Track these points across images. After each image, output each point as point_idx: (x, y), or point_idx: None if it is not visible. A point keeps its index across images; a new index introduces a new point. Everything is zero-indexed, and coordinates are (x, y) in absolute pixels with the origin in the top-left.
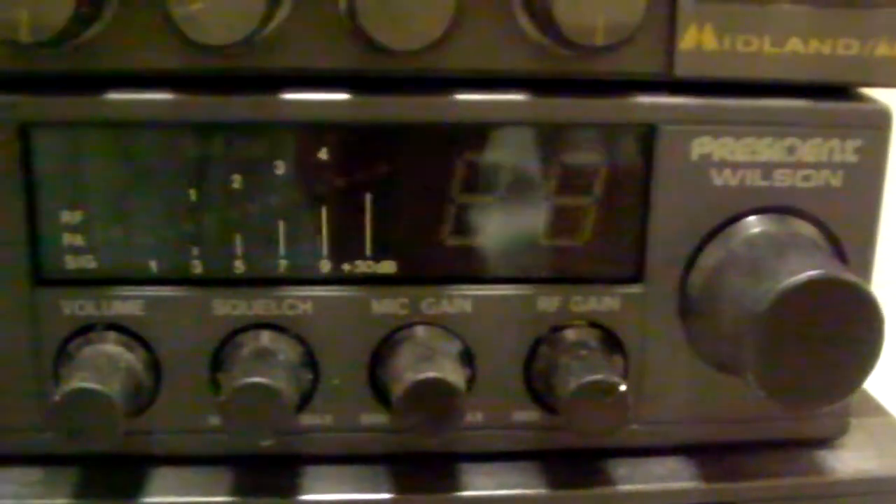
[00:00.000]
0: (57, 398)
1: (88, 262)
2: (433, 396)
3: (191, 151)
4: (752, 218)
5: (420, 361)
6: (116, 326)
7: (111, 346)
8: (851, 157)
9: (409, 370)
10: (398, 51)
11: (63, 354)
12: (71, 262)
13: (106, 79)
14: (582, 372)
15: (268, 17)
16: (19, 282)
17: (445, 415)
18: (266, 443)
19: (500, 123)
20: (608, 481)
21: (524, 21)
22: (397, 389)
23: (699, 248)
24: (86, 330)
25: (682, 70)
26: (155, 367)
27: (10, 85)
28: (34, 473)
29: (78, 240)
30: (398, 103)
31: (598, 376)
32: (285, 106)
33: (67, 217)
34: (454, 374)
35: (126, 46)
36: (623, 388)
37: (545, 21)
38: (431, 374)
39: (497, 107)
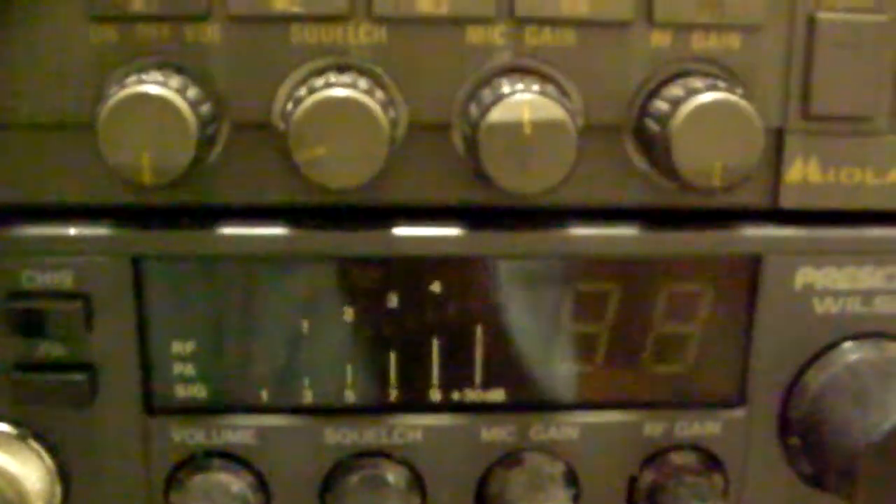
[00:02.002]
0: None
1: (199, 392)
2: None
3: (303, 284)
4: (852, 343)
5: (531, 490)
6: (226, 454)
7: (221, 474)
8: None
9: (522, 500)
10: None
11: (173, 481)
12: (181, 391)
13: (216, 211)
14: (689, 499)
15: (387, 159)
16: (130, 410)
17: None
18: None
19: (609, 256)
20: None
21: (635, 156)
22: None
23: (800, 373)
24: (195, 457)
25: (787, 201)
26: (264, 493)
27: (122, 216)
28: None
29: (188, 370)
30: (510, 238)
31: None
32: (398, 241)
33: (178, 347)
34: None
35: (235, 180)
36: None
37: (664, 164)
38: None
39: (607, 241)
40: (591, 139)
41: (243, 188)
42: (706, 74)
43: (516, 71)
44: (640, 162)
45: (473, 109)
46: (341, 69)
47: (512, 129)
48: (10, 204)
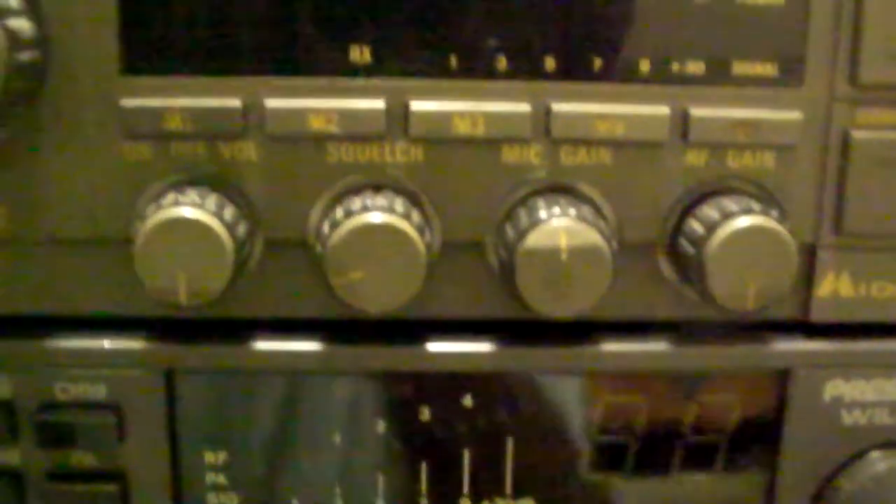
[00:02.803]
0: None
1: (230, 500)
2: None
3: (335, 396)
4: (879, 453)
5: None
6: None
7: None
8: None
9: None
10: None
11: None
12: (213, 500)
13: (250, 324)
14: None
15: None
16: None
17: None
18: None
19: (639, 370)
20: None
21: (667, 271)
22: None
23: (827, 482)
24: None
25: (818, 315)
26: None
27: (156, 329)
28: None
29: (220, 479)
30: (541, 354)
31: None
32: (432, 357)
33: (211, 458)
34: None
35: (269, 295)
36: None
37: (698, 285)
38: None
39: (637, 357)
40: (624, 256)
41: (277, 302)
42: (741, 193)
43: (551, 190)
44: (671, 277)
45: (509, 230)
46: (377, 188)
47: (549, 256)
48: (44, 316)
